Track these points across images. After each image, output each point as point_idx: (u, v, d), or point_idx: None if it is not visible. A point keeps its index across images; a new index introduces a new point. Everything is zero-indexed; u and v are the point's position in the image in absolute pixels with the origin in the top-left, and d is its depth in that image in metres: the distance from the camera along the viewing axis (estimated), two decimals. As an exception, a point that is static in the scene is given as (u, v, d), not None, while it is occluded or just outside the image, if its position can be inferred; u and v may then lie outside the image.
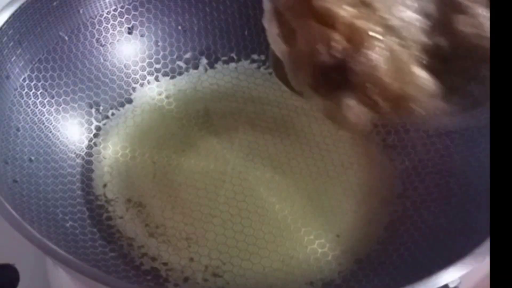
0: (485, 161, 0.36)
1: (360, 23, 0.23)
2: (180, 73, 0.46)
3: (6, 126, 0.36)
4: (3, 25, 0.36)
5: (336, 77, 0.24)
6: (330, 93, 0.25)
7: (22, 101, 0.38)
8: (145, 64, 0.45)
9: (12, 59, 0.37)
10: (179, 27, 0.45)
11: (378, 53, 0.23)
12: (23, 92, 0.38)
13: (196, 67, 0.46)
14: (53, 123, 0.39)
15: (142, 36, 0.45)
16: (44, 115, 0.39)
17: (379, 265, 0.36)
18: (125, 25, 0.44)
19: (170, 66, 0.45)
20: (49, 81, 0.40)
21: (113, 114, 0.43)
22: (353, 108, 0.24)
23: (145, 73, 0.45)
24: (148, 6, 0.44)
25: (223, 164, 0.41)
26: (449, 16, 0.25)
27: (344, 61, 0.24)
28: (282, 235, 0.38)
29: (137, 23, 0.44)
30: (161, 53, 0.45)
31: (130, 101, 0.44)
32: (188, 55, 0.46)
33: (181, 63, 0.46)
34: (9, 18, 0.36)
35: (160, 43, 0.45)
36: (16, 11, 0.36)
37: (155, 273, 0.36)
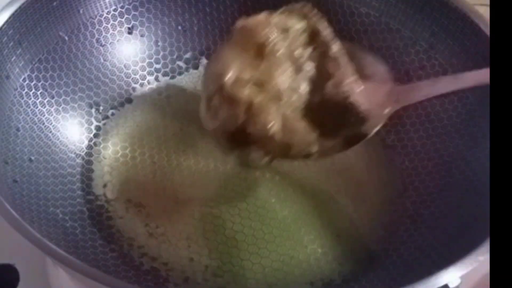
0: (485, 161, 0.36)
1: (257, 100, 0.32)
2: (180, 73, 0.46)
3: (6, 126, 0.35)
4: (3, 25, 0.36)
5: (243, 138, 0.33)
6: (241, 149, 0.34)
7: (22, 101, 0.38)
8: (145, 64, 0.45)
9: (12, 59, 0.37)
10: (179, 27, 0.45)
11: (270, 119, 0.32)
12: (23, 92, 0.38)
13: (196, 67, 0.46)
14: (53, 123, 0.39)
15: (142, 36, 0.45)
16: (44, 115, 0.39)
17: (379, 265, 0.36)
18: (125, 25, 0.44)
19: (170, 66, 0.45)
20: (49, 81, 0.40)
21: (113, 114, 0.43)
22: (256, 157, 0.34)
23: (145, 73, 0.45)
24: (148, 6, 0.44)
25: (223, 164, 0.41)
26: (324, 80, 0.33)
27: (247, 128, 0.33)
28: (282, 235, 0.38)
29: (137, 23, 0.44)
30: (161, 53, 0.45)
31: (130, 101, 0.44)
32: (188, 55, 0.46)
33: (181, 63, 0.46)
34: (9, 18, 0.36)
35: (160, 43, 0.45)
36: (16, 11, 0.36)
37: (155, 273, 0.36)
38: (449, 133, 0.40)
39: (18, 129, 0.36)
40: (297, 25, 0.34)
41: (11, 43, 0.37)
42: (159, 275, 0.36)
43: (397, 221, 0.38)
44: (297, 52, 0.34)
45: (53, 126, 0.39)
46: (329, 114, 0.33)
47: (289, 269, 0.36)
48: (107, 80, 0.43)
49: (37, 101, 0.39)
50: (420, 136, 0.41)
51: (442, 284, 0.27)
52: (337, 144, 0.34)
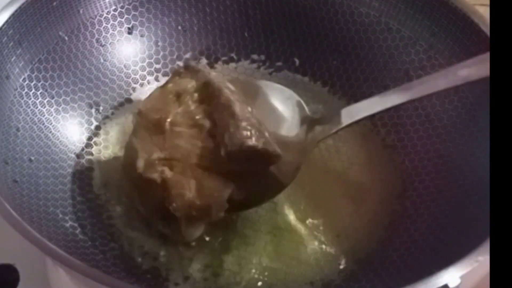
0: (485, 161, 0.36)
1: (169, 175, 0.33)
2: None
3: (6, 126, 0.35)
4: (3, 25, 0.36)
5: (169, 214, 0.33)
6: (170, 224, 0.35)
7: (22, 101, 0.37)
8: (145, 64, 0.45)
9: (12, 59, 0.37)
10: (179, 27, 0.45)
11: (185, 189, 0.32)
12: (23, 92, 0.38)
13: (196, 67, 0.46)
14: (53, 123, 0.39)
15: (142, 36, 0.45)
16: (44, 115, 0.39)
17: (379, 265, 0.36)
18: (125, 25, 0.44)
19: (170, 66, 0.45)
20: (49, 81, 0.40)
21: (113, 114, 0.43)
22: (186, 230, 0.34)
23: (145, 73, 0.45)
24: (148, 6, 0.44)
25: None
26: (223, 131, 0.33)
27: (169, 205, 0.33)
28: (282, 235, 0.38)
29: (137, 23, 0.44)
30: (161, 53, 0.45)
31: (130, 101, 0.44)
32: (188, 55, 0.46)
33: (181, 63, 0.46)
34: (9, 18, 0.36)
35: (160, 43, 0.45)
36: (16, 11, 0.36)
37: (155, 273, 0.36)
38: (449, 133, 0.40)
39: (18, 129, 0.36)
40: (188, 84, 0.35)
41: (11, 43, 0.37)
42: (159, 274, 0.36)
43: (397, 221, 0.38)
44: (194, 113, 0.34)
45: (53, 126, 0.39)
46: (240, 163, 0.33)
47: (289, 269, 0.36)
48: (107, 80, 0.43)
49: (37, 101, 0.39)
50: (420, 136, 0.41)
51: (442, 284, 0.27)
52: (265, 187, 0.35)
